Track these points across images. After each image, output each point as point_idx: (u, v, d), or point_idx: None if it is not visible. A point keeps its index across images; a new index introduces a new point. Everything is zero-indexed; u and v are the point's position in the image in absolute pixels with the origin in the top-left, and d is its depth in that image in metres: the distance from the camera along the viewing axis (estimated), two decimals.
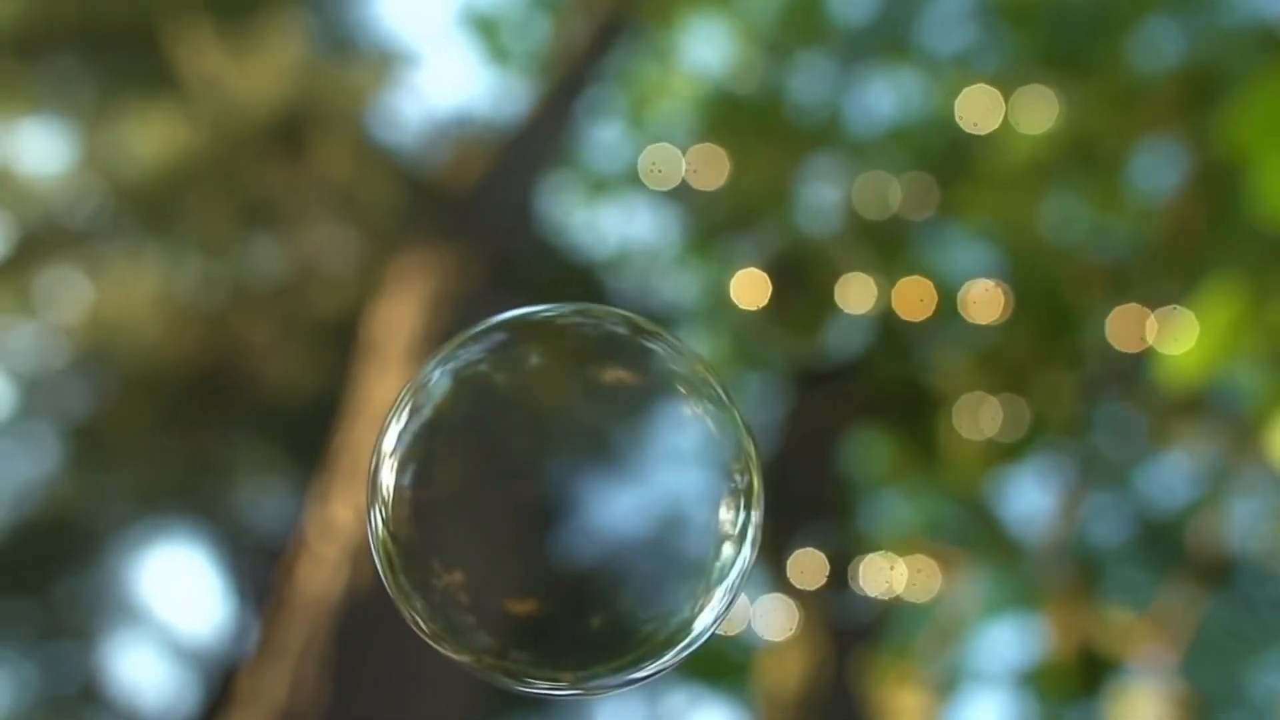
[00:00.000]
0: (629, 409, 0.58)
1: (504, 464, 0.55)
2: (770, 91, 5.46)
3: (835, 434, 3.90)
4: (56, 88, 5.45)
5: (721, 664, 4.67)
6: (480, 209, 3.59)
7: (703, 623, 0.57)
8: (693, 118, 5.60)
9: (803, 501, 3.40)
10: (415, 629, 0.56)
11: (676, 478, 0.58)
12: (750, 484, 0.57)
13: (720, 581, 0.57)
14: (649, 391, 0.58)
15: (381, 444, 0.56)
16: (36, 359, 5.68)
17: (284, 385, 5.13)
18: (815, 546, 2.41)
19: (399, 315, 2.76)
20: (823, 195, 5.24)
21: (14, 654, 5.49)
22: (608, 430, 0.58)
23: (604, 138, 5.87)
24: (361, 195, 5.13)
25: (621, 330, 0.59)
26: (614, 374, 0.58)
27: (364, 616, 2.12)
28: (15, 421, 5.65)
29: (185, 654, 5.64)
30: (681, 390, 0.58)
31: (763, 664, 2.53)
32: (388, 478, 0.55)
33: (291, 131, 4.85)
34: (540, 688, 0.56)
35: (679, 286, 6.12)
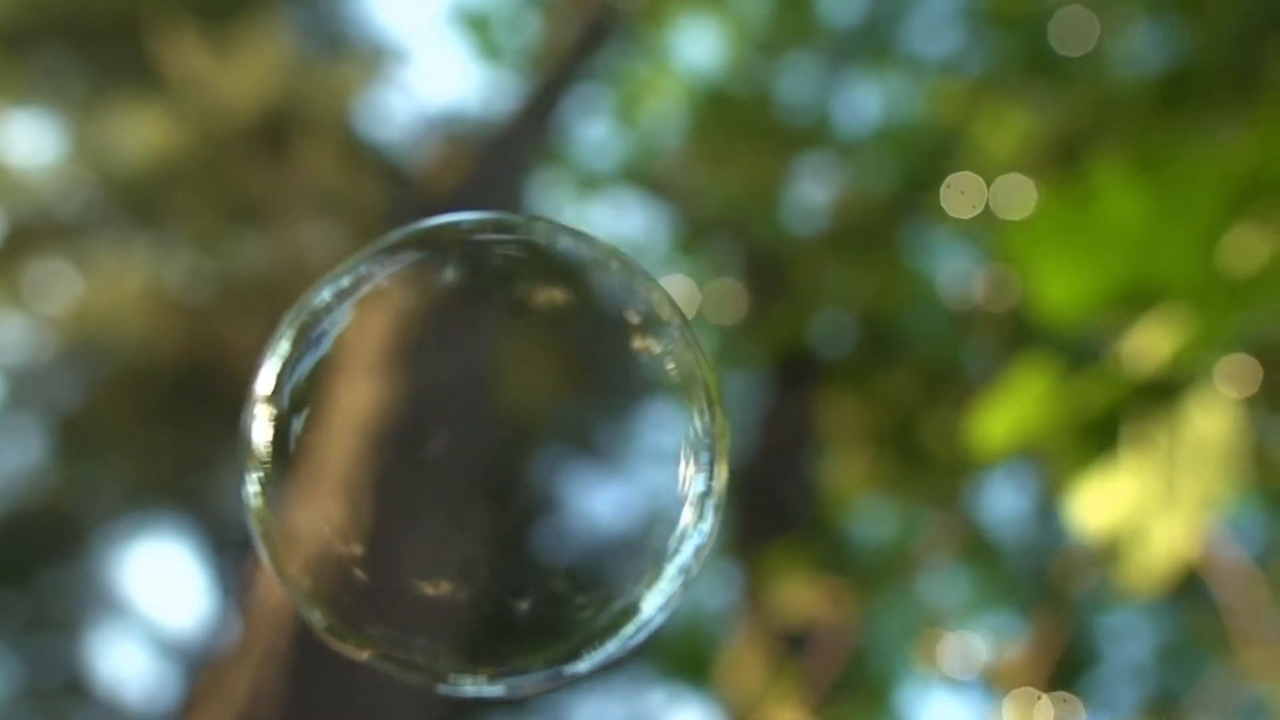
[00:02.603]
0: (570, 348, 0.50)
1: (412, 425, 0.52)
2: (759, 91, 5.50)
3: (812, 437, 3.96)
4: (45, 80, 5.51)
5: (702, 661, 4.72)
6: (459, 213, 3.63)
7: (650, 606, 0.48)
8: (682, 116, 5.65)
9: (777, 506, 3.46)
10: (308, 621, 0.48)
11: (621, 428, 0.50)
12: (712, 433, 0.48)
13: (671, 558, 0.48)
14: (593, 331, 0.50)
15: (257, 389, 0.48)
16: (24, 351, 5.74)
17: None
18: (786, 557, 2.48)
19: (369, 322, 2.82)
20: (809, 195, 5.29)
21: None
22: (544, 382, 0.50)
23: (593, 135, 5.92)
24: (347, 193, 5.19)
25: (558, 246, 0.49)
26: (554, 307, 0.50)
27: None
28: (2, 413, 5.72)
29: (168, 648, 5.71)
30: (633, 325, 0.49)
31: (723, 666, 2.60)
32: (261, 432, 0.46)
33: (277, 130, 4.91)
34: (457, 685, 0.48)
35: (666, 285, 6.18)
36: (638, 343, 0.49)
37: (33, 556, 5.46)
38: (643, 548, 0.48)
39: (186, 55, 4.88)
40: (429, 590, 0.48)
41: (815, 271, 4.76)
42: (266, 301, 5.23)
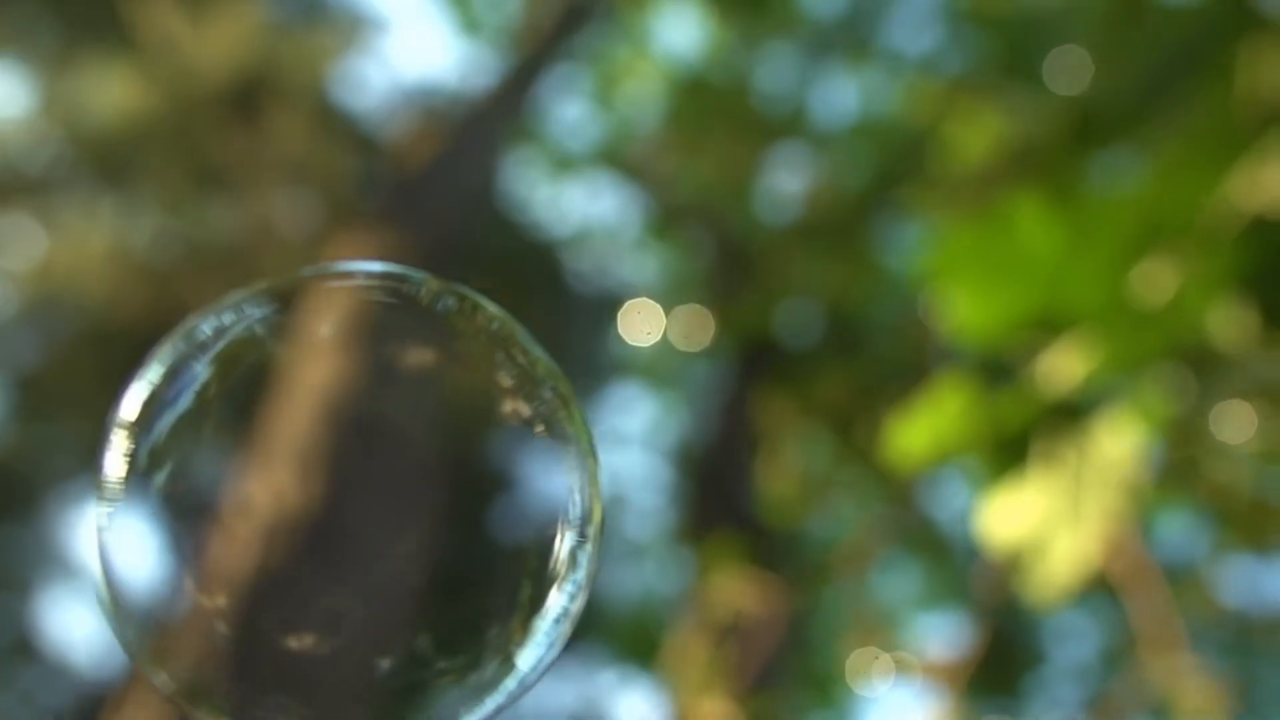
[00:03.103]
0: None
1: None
2: (737, 79, 5.52)
3: (770, 429, 4.00)
4: (16, 33, 5.47)
5: (651, 644, 4.77)
6: (429, 192, 3.64)
7: (523, 664, 0.46)
8: (659, 101, 5.67)
9: (728, 496, 3.51)
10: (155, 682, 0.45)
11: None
12: (587, 500, 0.47)
13: (544, 614, 0.47)
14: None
15: (120, 418, 0.47)
16: None
17: None
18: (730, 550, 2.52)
19: (330, 299, 2.84)
20: (782, 185, 5.32)
21: None
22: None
23: (569, 116, 5.94)
24: (319, 162, 5.18)
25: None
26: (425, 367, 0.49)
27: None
28: None
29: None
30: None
31: (668, 652, 2.66)
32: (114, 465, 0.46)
33: (250, 96, 4.90)
34: None
35: (636, 267, 6.21)
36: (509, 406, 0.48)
37: None
38: (504, 603, 0.46)
39: (161, 15, 4.86)
40: (293, 644, 0.46)
41: (784, 262, 4.80)
42: (233, 267, 5.23)
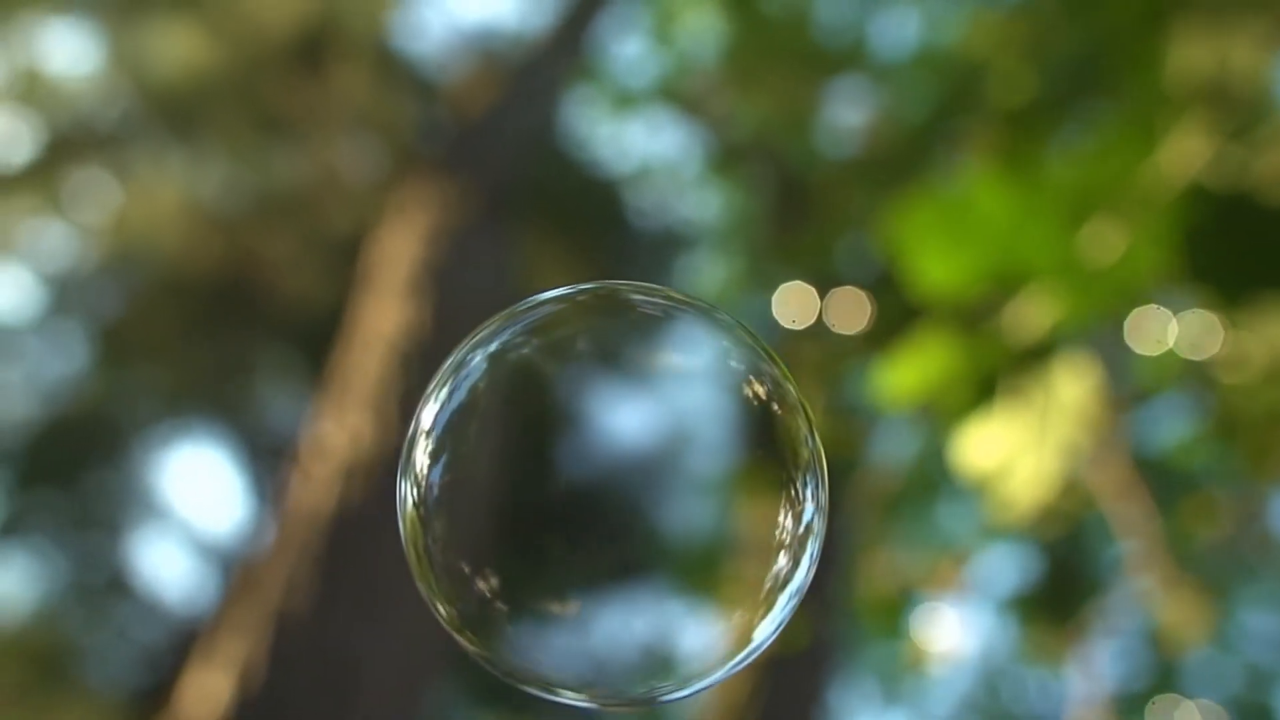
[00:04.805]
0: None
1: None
2: (795, 12, 5.55)
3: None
4: None
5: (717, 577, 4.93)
6: (490, 136, 3.77)
7: (760, 635, 0.54)
8: (717, 36, 5.72)
9: None
10: (433, 611, 0.53)
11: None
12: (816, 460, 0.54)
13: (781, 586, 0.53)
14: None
15: (420, 419, 0.54)
16: (65, 260, 5.98)
17: (302, 295, 5.43)
18: None
19: (398, 246, 3.02)
20: (842, 119, 5.38)
21: (45, 543, 5.89)
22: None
23: (629, 53, 6.02)
24: (381, 110, 5.35)
25: (668, 311, 0.55)
26: (661, 361, 0.55)
27: (352, 531, 2.43)
28: (45, 320, 5.99)
29: (205, 550, 6.05)
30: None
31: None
32: (421, 458, 0.54)
33: (312, 46, 5.07)
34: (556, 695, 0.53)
35: (697, 205, 6.31)
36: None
37: (76, 459, 5.76)
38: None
39: None
40: (555, 609, 0.53)
41: (844, 196, 4.88)
42: (300, 215, 5.45)
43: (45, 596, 5.84)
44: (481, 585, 0.52)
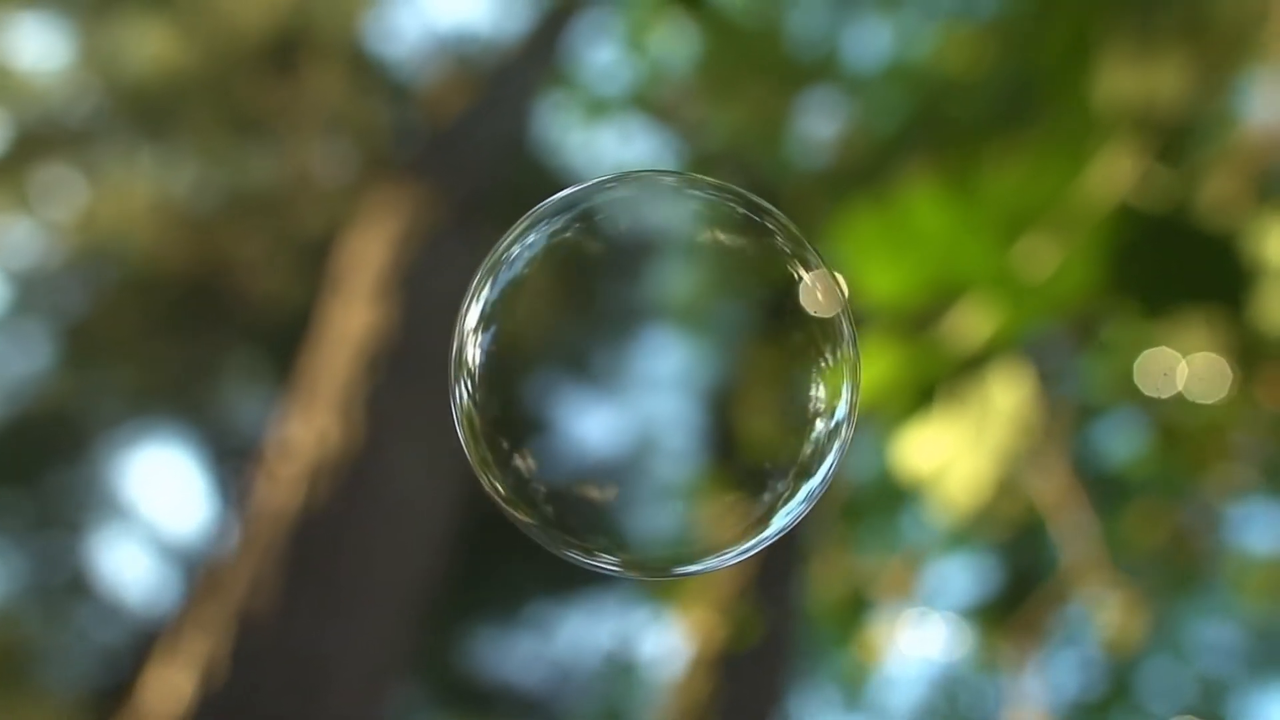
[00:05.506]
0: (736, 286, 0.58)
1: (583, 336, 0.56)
2: (769, 23, 5.61)
3: None
4: None
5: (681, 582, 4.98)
6: (462, 141, 3.81)
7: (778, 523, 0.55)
8: (691, 46, 5.78)
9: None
10: (494, 496, 0.56)
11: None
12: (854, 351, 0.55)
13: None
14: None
15: (465, 321, 0.56)
16: (31, 256, 5.97)
17: (270, 296, 5.45)
18: None
19: (368, 249, 3.06)
20: (814, 130, 5.44)
21: (6, 543, 5.87)
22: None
23: (602, 61, 6.07)
24: (354, 112, 5.38)
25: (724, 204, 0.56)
26: (721, 244, 0.56)
27: (317, 531, 2.47)
28: (10, 318, 5.97)
29: (168, 551, 6.04)
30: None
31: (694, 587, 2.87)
32: (471, 352, 0.55)
33: (286, 47, 5.10)
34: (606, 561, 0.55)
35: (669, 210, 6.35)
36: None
37: (39, 458, 5.75)
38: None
39: None
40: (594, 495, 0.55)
41: (814, 207, 4.94)
42: (270, 216, 5.47)
43: (5, 596, 5.82)
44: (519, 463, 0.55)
